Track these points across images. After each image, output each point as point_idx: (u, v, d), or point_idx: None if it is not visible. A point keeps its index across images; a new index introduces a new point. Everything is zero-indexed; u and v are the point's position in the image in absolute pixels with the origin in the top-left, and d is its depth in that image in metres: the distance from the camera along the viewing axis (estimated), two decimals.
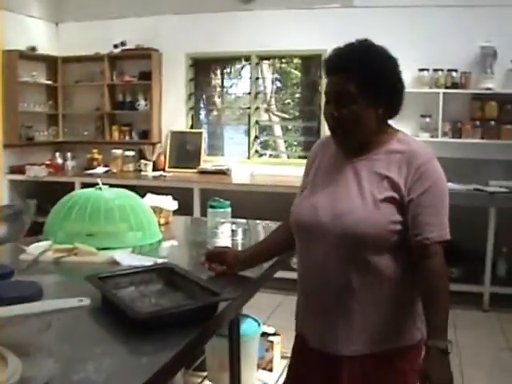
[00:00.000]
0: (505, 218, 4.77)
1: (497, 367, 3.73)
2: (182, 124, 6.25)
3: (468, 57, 5.12)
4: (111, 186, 2.50)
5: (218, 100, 6.51)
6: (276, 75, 6.29)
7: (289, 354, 1.90)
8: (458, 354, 3.70)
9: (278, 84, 6.34)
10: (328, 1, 5.52)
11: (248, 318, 3.01)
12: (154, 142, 6.20)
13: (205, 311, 1.51)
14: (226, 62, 6.34)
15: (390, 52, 1.63)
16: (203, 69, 6.35)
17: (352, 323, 1.61)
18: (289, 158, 6.32)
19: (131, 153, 6.20)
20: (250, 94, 6.09)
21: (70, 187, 5.06)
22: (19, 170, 5.88)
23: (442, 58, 5.12)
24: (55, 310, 1.30)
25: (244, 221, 2.88)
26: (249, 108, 6.10)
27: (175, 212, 2.89)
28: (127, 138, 6.32)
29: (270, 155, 6.32)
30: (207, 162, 6.07)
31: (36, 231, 2.38)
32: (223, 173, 5.77)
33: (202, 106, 6.49)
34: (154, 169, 6.07)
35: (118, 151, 6.19)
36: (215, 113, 6.55)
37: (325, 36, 5.22)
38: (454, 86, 5.13)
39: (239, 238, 2.49)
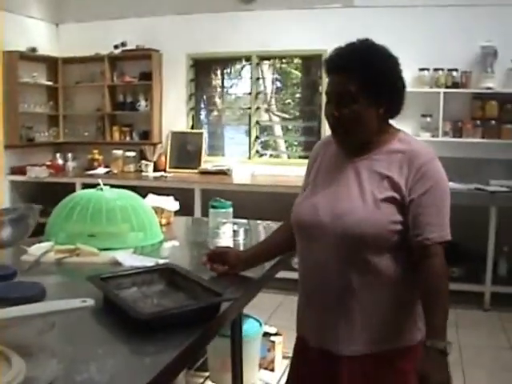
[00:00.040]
0: (506, 217, 4.77)
1: (498, 366, 3.73)
2: (182, 124, 6.25)
3: (468, 56, 5.12)
4: (112, 186, 2.50)
5: (218, 100, 6.52)
6: (276, 75, 6.30)
7: (290, 354, 1.90)
8: (460, 354, 3.71)
9: (279, 84, 6.35)
10: (328, 1, 5.53)
11: (250, 319, 3.02)
12: (154, 142, 6.20)
13: (207, 311, 1.51)
14: (226, 62, 6.34)
15: (391, 51, 1.63)
16: (204, 69, 6.35)
17: (353, 323, 1.61)
18: (289, 158, 6.32)
19: (132, 153, 6.21)
20: (250, 94, 6.09)
21: (70, 188, 5.07)
22: (20, 170, 5.89)
23: (442, 57, 5.13)
24: (59, 310, 1.30)
25: (245, 221, 2.88)
26: (249, 108, 6.11)
27: (176, 212, 2.89)
28: (128, 138, 6.32)
29: (271, 155, 6.32)
30: (208, 163, 6.08)
31: (37, 232, 2.38)
32: (224, 173, 5.78)
33: (202, 106, 6.50)
34: (155, 169, 6.07)
35: (119, 152, 6.19)
36: (216, 113, 6.55)
37: (325, 36, 5.23)
38: (455, 85, 5.13)
39: (241, 238, 2.49)
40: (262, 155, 6.22)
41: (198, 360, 2.96)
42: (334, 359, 1.64)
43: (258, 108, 6.08)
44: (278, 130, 6.52)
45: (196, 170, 5.97)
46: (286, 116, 6.36)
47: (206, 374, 2.98)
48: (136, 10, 6.10)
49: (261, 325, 3.05)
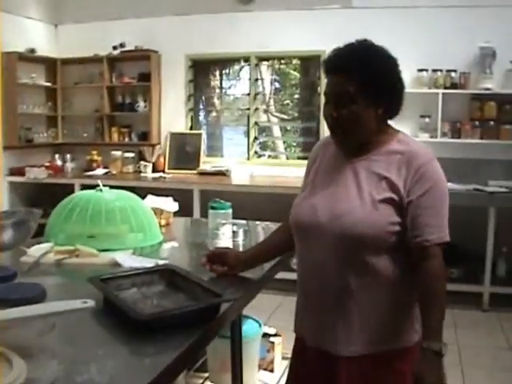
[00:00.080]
0: (504, 217, 4.78)
1: (497, 367, 3.73)
2: (181, 125, 6.26)
3: (467, 57, 5.13)
4: (111, 187, 2.50)
5: (217, 101, 6.52)
6: (275, 76, 6.30)
7: (290, 355, 1.90)
8: (459, 354, 3.71)
9: (277, 85, 6.35)
10: (327, 2, 5.53)
11: (249, 319, 3.02)
12: (153, 143, 6.20)
13: (207, 312, 1.51)
14: (225, 63, 6.34)
15: (390, 52, 1.63)
16: (202, 70, 6.35)
17: (351, 324, 1.61)
18: (288, 158, 6.33)
19: (131, 154, 6.20)
20: (249, 95, 6.10)
21: (69, 189, 5.06)
22: (19, 171, 5.88)
23: (440, 58, 5.13)
24: (60, 311, 1.30)
25: (244, 222, 2.89)
26: (248, 109, 6.11)
27: (175, 213, 2.89)
28: (127, 139, 6.32)
29: (269, 156, 6.32)
30: (207, 163, 6.08)
31: (37, 233, 2.37)
32: (223, 174, 5.78)
33: (201, 107, 6.50)
34: (154, 170, 6.07)
35: (118, 153, 6.19)
36: (214, 114, 6.55)
37: (324, 37, 5.23)
38: (453, 86, 5.14)
39: (240, 239, 2.49)
40: (260, 156, 6.22)
41: (197, 361, 2.96)
42: (333, 360, 1.64)
43: (256, 109, 6.09)
44: (276, 131, 6.52)
45: (195, 171, 5.97)
46: (285, 117, 6.36)
47: (206, 374, 2.98)
48: (134, 11, 6.10)
49: (260, 325, 3.05)
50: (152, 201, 2.76)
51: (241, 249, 2.30)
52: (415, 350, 1.55)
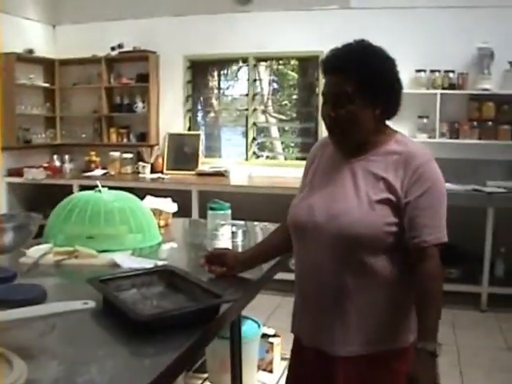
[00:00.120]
0: (503, 218, 4.79)
1: (495, 367, 3.74)
2: (179, 126, 6.26)
3: (465, 58, 5.14)
4: (109, 188, 2.50)
5: (215, 102, 6.52)
6: (273, 77, 6.30)
7: (289, 356, 1.90)
8: (457, 354, 3.72)
9: (275, 85, 6.35)
10: (325, 2, 5.54)
11: (248, 320, 3.02)
12: (151, 144, 6.20)
13: (207, 313, 1.52)
14: (223, 63, 6.34)
15: (388, 53, 1.63)
16: (201, 71, 6.35)
17: (348, 324, 1.61)
18: (286, 159, 6.33)
19: (129, 155, 6.20)
20: (247, 95, 6.10)
21: (68, 190, 5.05)
22: (17, 172, 5.88)
23: (438, 58, 5.14)
24: (61, 312, 1.31)
25: (243, 222, 2.89)
26: (246, 110, 6.11)
27: (174, 214, 2.90)
28: (125, 140, 6.32)
29: (268, 157, 6.33)
30: (205, 164, 6.08)
31: (36, 234, 2.37)
32: (221, 174, 5.78)
33: (199, 107, 6.51)
34: (152, 171, 6.07)
35: (116, 153, 6.18)
36: (213, 115, 6.56)
37: (322, 37, 5.23)
38: (451, 86, 5.14)
39: (239, 239, 2.49)
40: (258, 156, 6.23)
41: (196, 361, 2.96)
42: (330, 360, 1.64)
43: (254, 109, 6.09)
44: (274, 132, 6.52)
45: (193, 172, 5.97)
46: (283, 117, 6.37)
47: (205, 375, 2.98)
48: (133, 12, 6.10)
49: (259, 326, 3.05)
50: (151, 201, 2.76)
51: (240, 249, 2.30)
52: (412, 350, 1.56)
